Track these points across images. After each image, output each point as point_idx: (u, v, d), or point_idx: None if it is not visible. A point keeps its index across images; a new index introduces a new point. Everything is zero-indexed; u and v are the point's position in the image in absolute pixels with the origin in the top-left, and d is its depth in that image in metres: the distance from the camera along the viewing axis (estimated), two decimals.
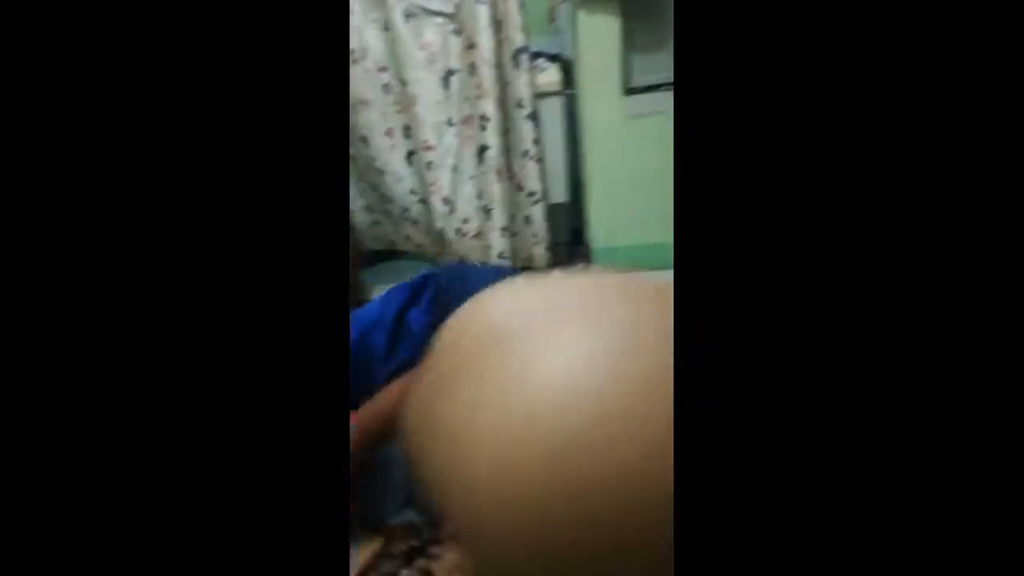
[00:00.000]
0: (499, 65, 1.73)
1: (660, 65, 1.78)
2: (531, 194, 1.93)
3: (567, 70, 1.91)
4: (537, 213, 1.95)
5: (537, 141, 1.83)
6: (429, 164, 1.88)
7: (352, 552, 0.54)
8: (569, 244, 2.13)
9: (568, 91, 1.86)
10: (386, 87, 1.81)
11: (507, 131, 1.83)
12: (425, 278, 0.89)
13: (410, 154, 1.90)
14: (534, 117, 1.81)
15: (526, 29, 1.72)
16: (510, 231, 1.97)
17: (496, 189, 1.86)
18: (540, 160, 1.87)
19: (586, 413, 0.18)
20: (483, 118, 1.76)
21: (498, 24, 1.69)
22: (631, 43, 1.74)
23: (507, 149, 1.85)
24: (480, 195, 1.92)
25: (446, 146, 1.86)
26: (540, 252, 2.02)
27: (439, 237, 2.02)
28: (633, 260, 1.95)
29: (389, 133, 1.89)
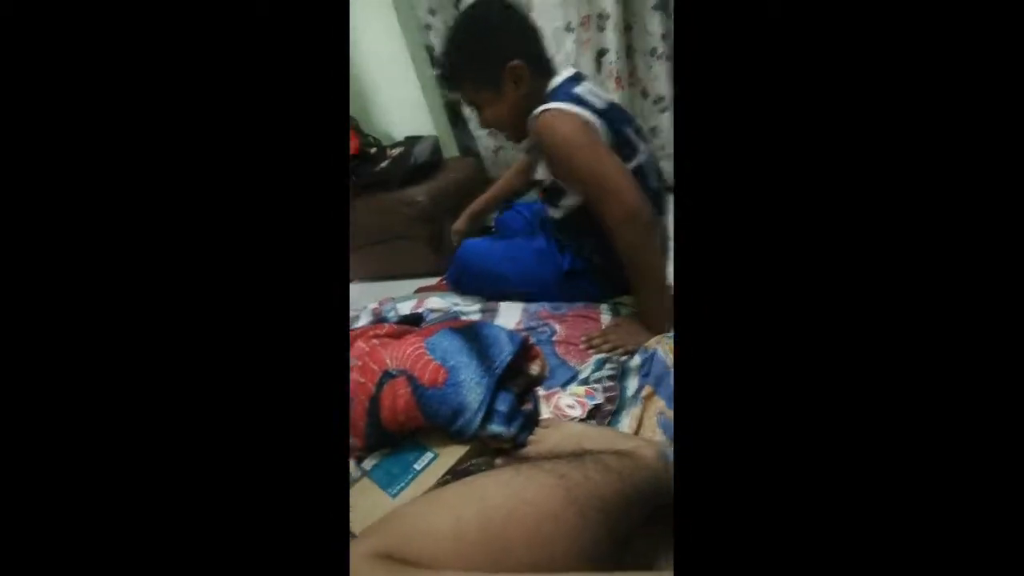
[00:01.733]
0: None
1: None
2: (658, 100, 1.70)
3: None
4: (666, 122, 1.73)
5: (667, 36, 1.58)
6: None
7: (427, 460, 0.58)
8: None
9: None
10: None
11: (629, 28, 1.61)
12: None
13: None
14: (663, 6, 1.56)
15: None
16: None
17: (615, 98, 1.68)
18: (672, 58, 1.63)
19: None
20: (601, 16, 1.56)
21: None
22: None
23: (629, 50, 1.64)
24: None
25: (565, 54, 1.70)
26: (667, 168, 1.81)
27: None
28: None
29: None
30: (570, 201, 0.87)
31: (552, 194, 0.89)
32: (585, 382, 0.70)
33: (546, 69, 0.80)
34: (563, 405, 0.64)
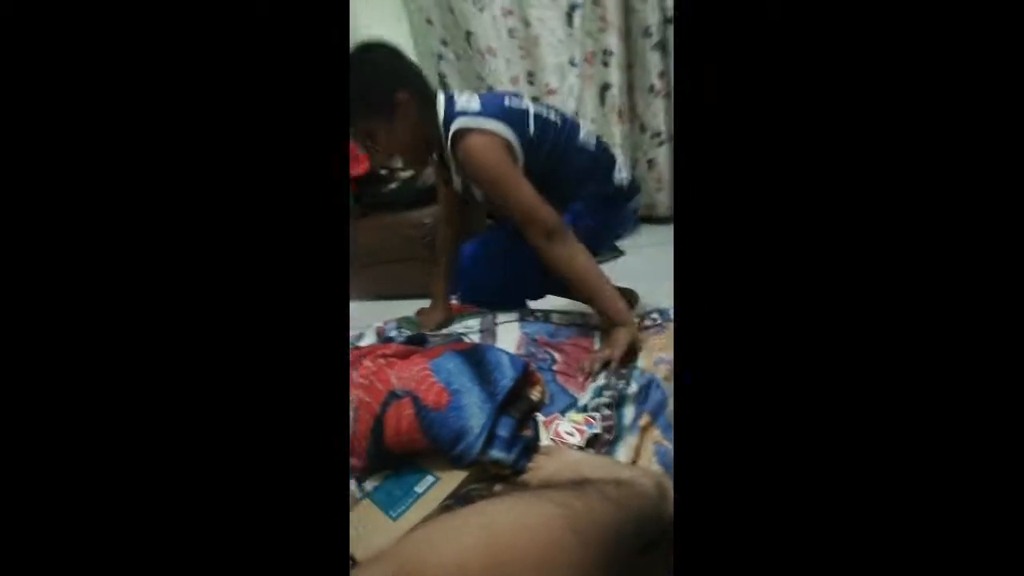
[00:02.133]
0: None
1: None
2: (656, 135, 1.75)
3: None
4: (662, 156, 1.77)
5: (664, 74, 1.63)
6: None
7: (429, 483, 0.57)
8: None
9: None
10: (511, 32, 1.75)
11: (631, 66, 1.66)
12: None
13: (533, 101, 1.84)
14: (663, 46, 1.61)
15: None
16: None
17: (617, 131, 1.72)
18: (668, 95, 1.67)
19: None
20: (606, 52, 1.61)
21: None
22: None
23: (630, 86, 1.69)
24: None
25: (568, 88, 1.75)
26: (663, 200, 1.85)
27: None
28: None
29: (514, 81, 1.85)
30: None
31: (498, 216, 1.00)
32: (584, 409, 0.70)
33: (429, 98, 0.88)
34: (562, 432, 0.64)
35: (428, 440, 0.58)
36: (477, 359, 0.66)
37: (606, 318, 0.85)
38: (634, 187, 1.05)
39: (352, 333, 1.06)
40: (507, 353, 0.70)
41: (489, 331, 1.00)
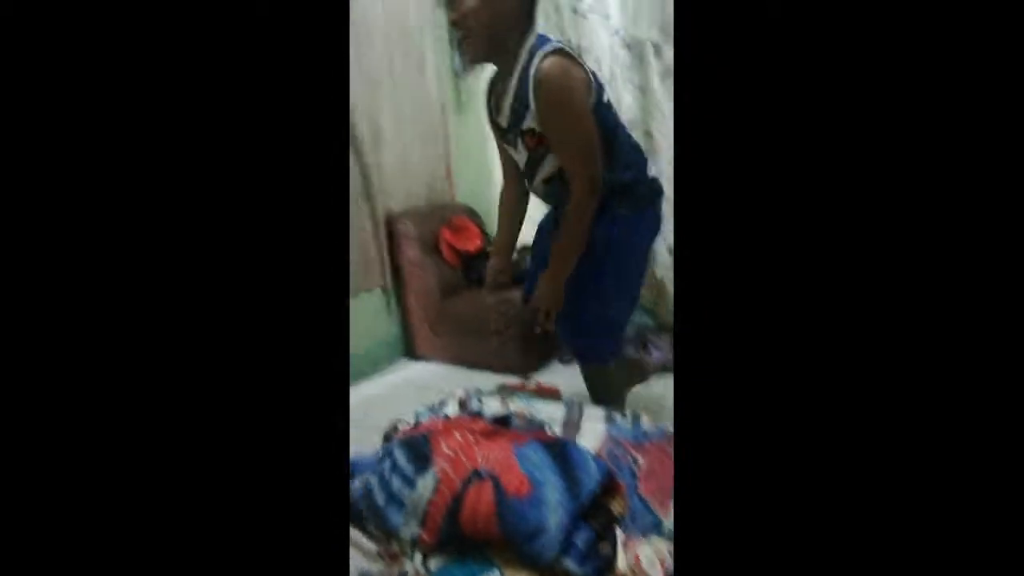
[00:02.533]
0: None
1: None
2: None
3: None
4: None
5: None
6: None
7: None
8: None
9: None
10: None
11: None
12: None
13: None
14: None
15: None
16: None
17: None
18: None
19: None
20: None
21: None
22: None
23: None
24: None
25: (667, 180, 1.79)
26: None
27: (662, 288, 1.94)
28: None
29: None
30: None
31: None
32: (668, 536, 0.63)
33: (531, 17, 0.86)
34: (643, 558, 0.58)
35: (502, 529, 0.55)
36: (561, 454, 0.64)
37: (547, 277, 0.94)
38: (661, 186, 1.05)
39: (436, 397, 1.09)
40: (591, 454, 0.67)
41: (572, 424, 0.96)
